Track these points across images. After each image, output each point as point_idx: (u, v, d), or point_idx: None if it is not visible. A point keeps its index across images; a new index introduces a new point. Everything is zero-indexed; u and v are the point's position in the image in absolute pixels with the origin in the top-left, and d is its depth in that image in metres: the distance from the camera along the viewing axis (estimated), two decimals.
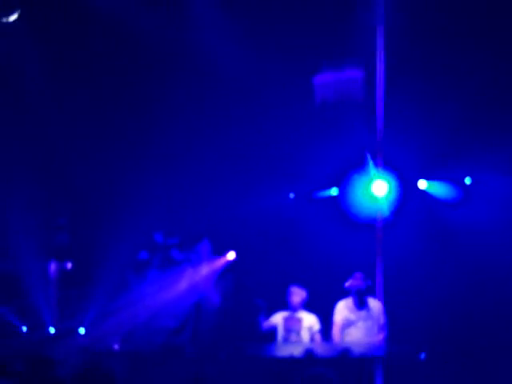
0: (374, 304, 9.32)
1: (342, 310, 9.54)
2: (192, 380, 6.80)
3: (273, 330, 9.73)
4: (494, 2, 9.34)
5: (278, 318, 9.77)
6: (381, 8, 8.16)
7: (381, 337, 9.22)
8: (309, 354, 8.44)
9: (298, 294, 9.71)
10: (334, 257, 10.75)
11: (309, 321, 9.65)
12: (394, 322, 9.46)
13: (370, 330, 9.32)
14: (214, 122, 10.45)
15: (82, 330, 10.96)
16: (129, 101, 10.35)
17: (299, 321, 9.66)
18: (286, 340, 9.55)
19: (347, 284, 9.52)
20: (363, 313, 9.46)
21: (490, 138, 10.18)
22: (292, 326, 9.64)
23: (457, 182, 10.97)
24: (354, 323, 9.45)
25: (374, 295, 9.14)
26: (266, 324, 9.73)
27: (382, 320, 9.30)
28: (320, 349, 8.91)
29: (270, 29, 9.27)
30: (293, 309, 9.72)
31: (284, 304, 9.85)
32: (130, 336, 10.89)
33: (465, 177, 10.93)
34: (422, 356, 8.47)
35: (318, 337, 9.59)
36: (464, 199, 10.86)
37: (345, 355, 8.43)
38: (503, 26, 9.41)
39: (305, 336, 9.59)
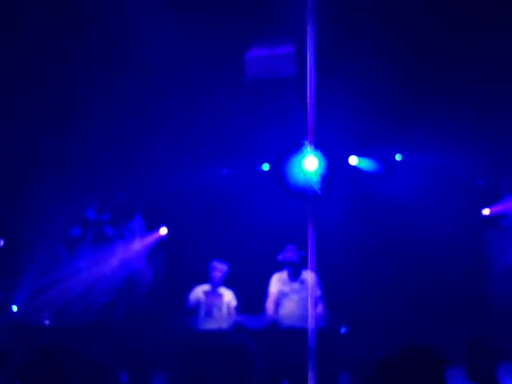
0: (308, 276, 9.37)
1: (276, 282, 9.61)
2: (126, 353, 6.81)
3: (196, 304, 9.73)
4: None
5: (199, 293, 9.78)
6: None
7: (319, 309, 9.31)
8: (237, 326, 8.54)
9: (219, 270, 9.74)
10: (267, 230, 10.87)
11: (228, 297, 9.72)
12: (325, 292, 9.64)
13: (303, 302, 9.39)
14: (146, 99, 10.36)
15: (14, 308, 10.88)
16: (58, 74, 10.18)
17: (220, 296, 9.71)
18: (208, 314, 9.58)
19: (280, 257, 9.59)
20: (296, 285, 9.52)
21: (418, 116, 10.43)
22: (214, 300, 9.66)
23: (386, 159, 11.27)
24: (288, 295, 9.51)
25: (305, 267, 9.23)
26: (192, 299, 9.73)
27: (317, 292, 9.39)
28: (249, 321, 8.99)
29: (200, 3, 9.21)
30: (214, 284, 9.75)
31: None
32: (62, 312, 10.86)
33: (394, 153, 11.25)
34: (343, 330, 8.62)
35: (233, 313, 9.63)
36: (391, 174, 11.16)
37: (273, 327, 8.53)
38: (434, 6, 9.52)
39: (224, 311, 9.63)
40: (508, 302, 10.27)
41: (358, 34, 9.60)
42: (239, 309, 9.65)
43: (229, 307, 9.68)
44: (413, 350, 3.06)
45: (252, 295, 9.73)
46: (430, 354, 3.04)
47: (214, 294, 9.71)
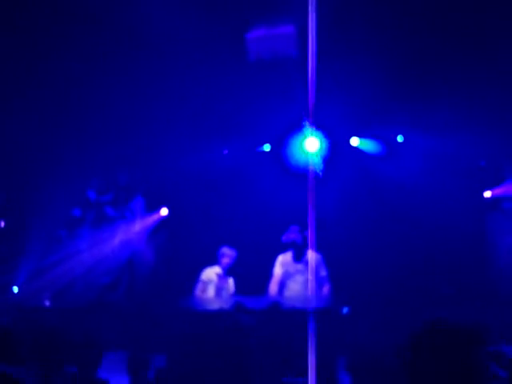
0: (313, 256, 9.35)
1: (280, 263, 9.62)
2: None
3: (208, 284, 9.80)
4: None
5: (211, 274, 9.83)
6: None
7: (326, 290, 9.31)
8: (238, 306, 8.54)
9: (228, 255, 9.82)
10: (267, 211, 10.87)
11: (231, 282, 9.87)
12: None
13: (307, 283, 9.38)
14: (148, 80, 10.33)
15: (15, 289, 10.88)
16: (64, 56, 10.14)
17: (227, 279, 9.86)
18: (218, 296, 9.67)
19: (284, 237, 9.59)
20: (300, 266, 9.51)
21: (420, 97, 10.39)
22: (223, 283, 9.79)
23: (387, 140, 11.24)
24: (292, 276, 9.53)
25: (307, 247, 9.21)
26: (205, 279, 9.78)
27: (322, 272, 9.38)
28: (250, 302, 8.99)
29: None
30: (223, 268, 9.83)
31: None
32: (63, 292, 10.87)
33: (395, 135, 11.21)
34: (345, 310, 8.61)
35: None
36: (393, 155, 11.13)
37: (274, 308, 8.53)
38: None
39: (229, 294, 9.77)
40: (510, 285, 10.26)
41: (360, 14, 9.56)
42: (242, 290, 9.69)
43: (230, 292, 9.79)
44: (439, 327, 3.04)
45: (254, 277, 9.75)
46: (458, 330, 3.02)
47: (224, 277, 9.84)
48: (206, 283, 9.77)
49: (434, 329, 3.01)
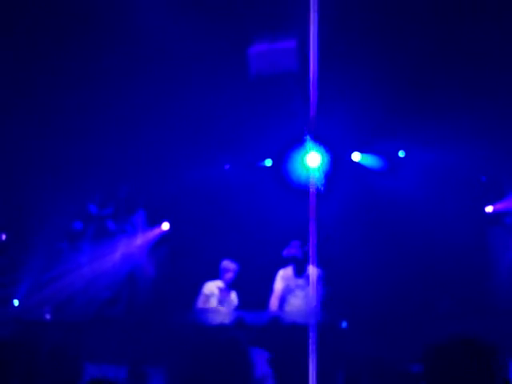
0: (314, 272, 9.35)
1: (281, 278, 9.61)
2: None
3: (209, 298, 9.79)
4: None
5: (213, 288, 9.82)
6: None
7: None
8: (239, 321, 8.53)
9: (231, 270, 9.81)
10: (269, 226, 10.86)
11: (233, 295, 9.87)
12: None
13: (308, 298, 9.37)
14: (150, 94, 10.35)
15: (16, 302, 10.88)
16: (61, 70, 10.16)
17: (229, 293, 9.84)
18: (219, 309, 9.66)
19: (284, 252, 9.59)
20: (301, 281, 9.51)
21: (421, 112, 10.40)
22: (225, 297, 9.78)
23: (389, 155, 11.26)
24: (293, 291, 9.52)
25: (308, 263, 9.21)
26: (207, 293, 9.77)
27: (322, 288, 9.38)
28: (251, 317, 8.98)
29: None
30: (226, 282, 9.83)
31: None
32: (63, 306, 10.86)
33: (397, 150, 11.22)
34: (344, 325, 8.60)
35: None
36: (394, 170, 11.15)
37: (275, 323, 8.51)
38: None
39: (231, 308, 9.73)
40: (511, 300, 10.25)
41: (362, 28, 9.56)
42: (243, 305, 9.68)
43: (233, 305, 9.75)
44: (464, 342, 3.06)
45: (255, 291, 9.73)
46: (481, 346, 3.05)
47: (226, 290, 9.82)
48: (208, 296, 9.76)
49: (452, 344, 3.04)
